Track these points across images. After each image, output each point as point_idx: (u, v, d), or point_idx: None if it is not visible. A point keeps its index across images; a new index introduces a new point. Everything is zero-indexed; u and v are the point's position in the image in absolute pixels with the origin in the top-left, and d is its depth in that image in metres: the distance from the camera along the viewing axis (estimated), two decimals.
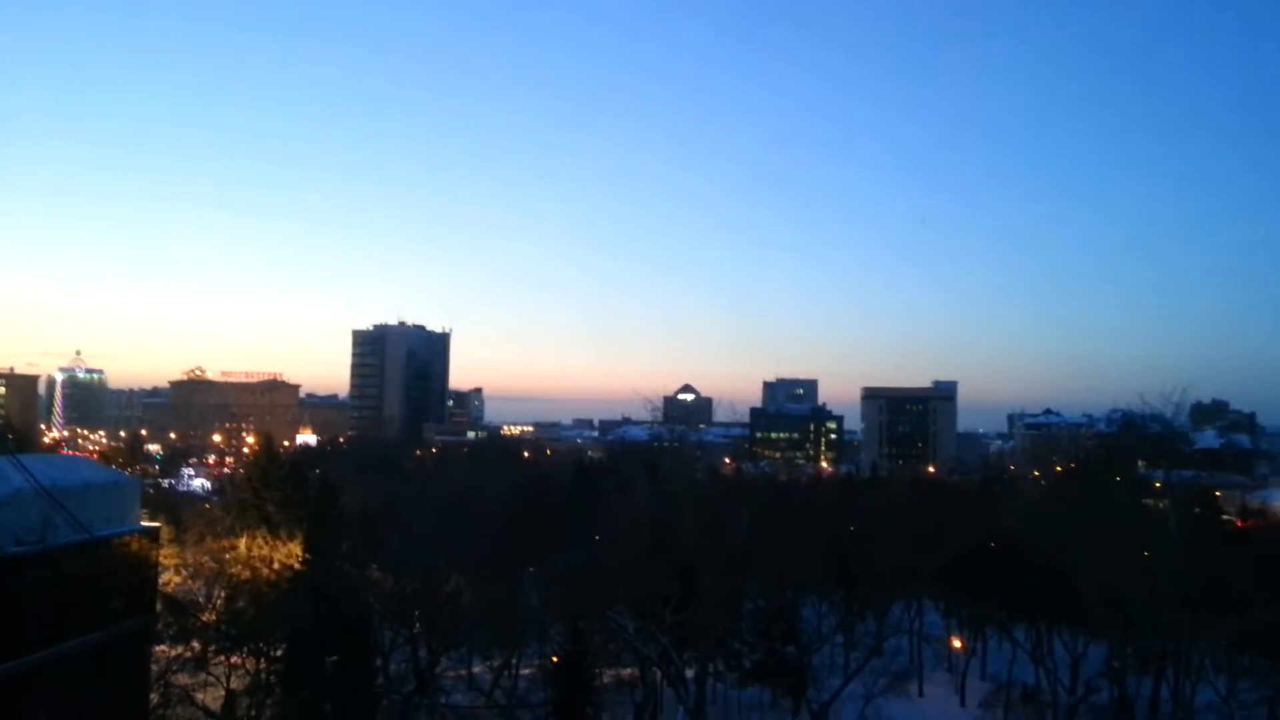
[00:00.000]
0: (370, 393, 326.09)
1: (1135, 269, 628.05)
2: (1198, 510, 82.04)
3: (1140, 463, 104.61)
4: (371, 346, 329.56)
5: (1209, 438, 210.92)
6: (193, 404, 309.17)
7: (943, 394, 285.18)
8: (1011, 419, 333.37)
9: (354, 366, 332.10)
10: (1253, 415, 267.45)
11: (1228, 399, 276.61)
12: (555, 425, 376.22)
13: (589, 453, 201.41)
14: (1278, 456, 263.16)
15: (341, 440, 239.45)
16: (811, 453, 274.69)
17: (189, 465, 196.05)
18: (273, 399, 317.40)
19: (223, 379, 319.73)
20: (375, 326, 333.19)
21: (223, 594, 60.50)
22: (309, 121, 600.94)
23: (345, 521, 66.75)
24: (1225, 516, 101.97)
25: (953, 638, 78.46)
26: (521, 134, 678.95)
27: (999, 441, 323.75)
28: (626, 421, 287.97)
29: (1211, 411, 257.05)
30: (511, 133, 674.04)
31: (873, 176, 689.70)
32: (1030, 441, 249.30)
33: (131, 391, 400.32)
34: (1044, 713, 56.83)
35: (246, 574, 59.77)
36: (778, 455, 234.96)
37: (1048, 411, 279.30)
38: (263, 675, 50.10)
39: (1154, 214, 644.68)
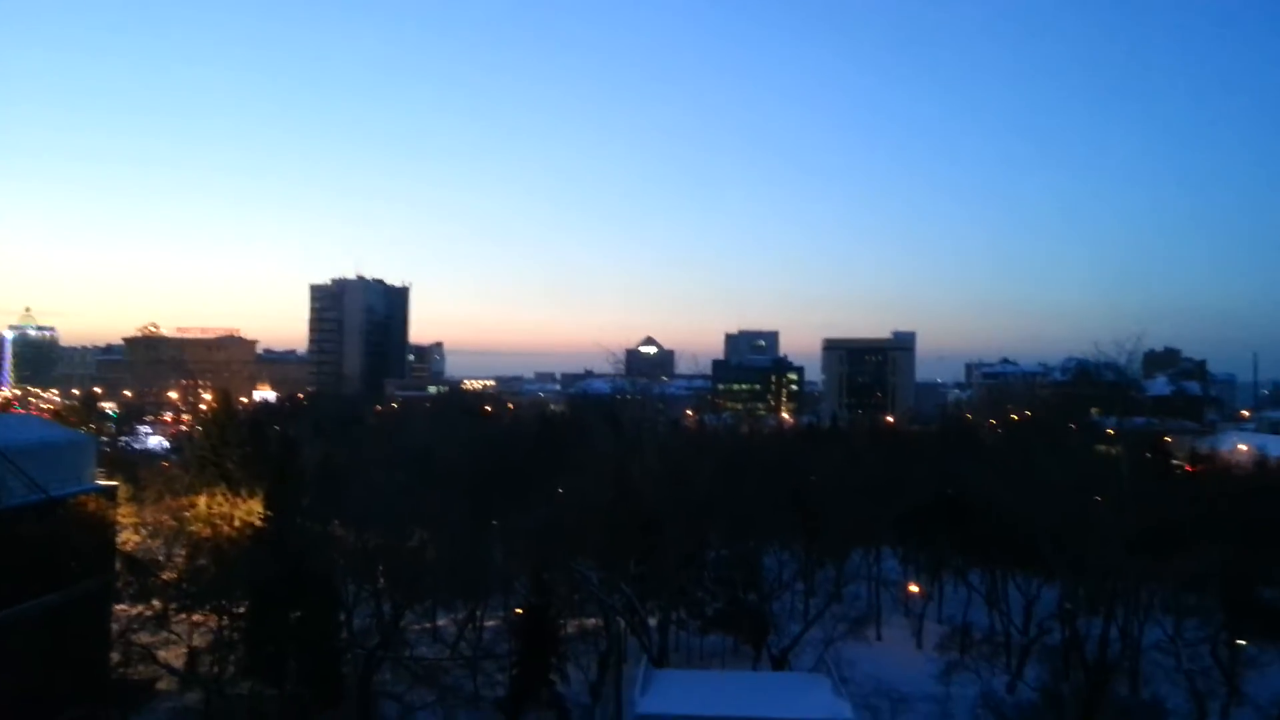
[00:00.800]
0: (329, 348, 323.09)
1: (1090, 221, 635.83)
2: (1149, 456, 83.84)
3: (1094, 410, 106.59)
4: (330, 301, 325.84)
5: (1161, 385, 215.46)
6: (148, 361, 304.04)
7: (901, 345, 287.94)
8: (969, 368, 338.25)
9: (312, 321, 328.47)
10: (1203, 363, 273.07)
11: (1179, 347, 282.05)
12: (517, 379, 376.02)
13: (551, 406, 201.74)
14: (1226, 403, 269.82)
15: (300, 396, 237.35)
16: (773, 404, 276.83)
17: (145, 423, 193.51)
18: (229, 355, 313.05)
19: (178, 335, 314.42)
20: (334, 281, 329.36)
21: (183, 552, 60.15)
22: (265, 75, 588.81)
23: (306, 478, 66.37)
24: (1175, 462, 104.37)
25: (910, 583, 80.00)
26: (481, 88, 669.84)
27: (956, 391, 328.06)
28: (589, 375, 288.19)
29: (1163, 359, 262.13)
30: (471, 87, 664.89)
31: (834, 129, 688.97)
32: (987, 391, 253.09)
33: (84, 349, 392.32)
34: (998, 654, 58.23)
35: (207, 531, 59.44)
36: (739, 407, 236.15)
37: (1004, 361, 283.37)
38: (225, 632, 50.03)
39: (1109, 167, 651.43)
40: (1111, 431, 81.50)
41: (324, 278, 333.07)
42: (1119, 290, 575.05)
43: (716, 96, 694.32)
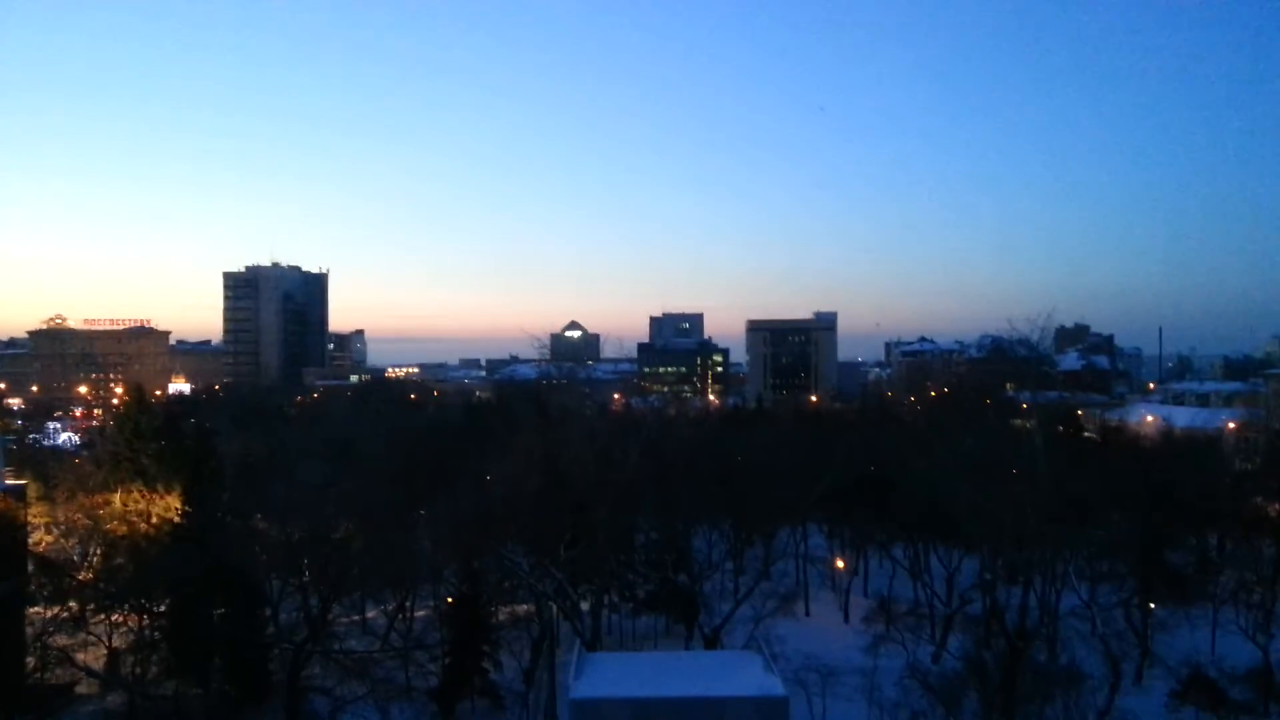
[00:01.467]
0: (245, 337, 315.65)
1: (1004, 200, 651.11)
2: (1061, 429, 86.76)
3: (1008, 385, 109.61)
4: (244, 289, 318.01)
5: (1071, 359, 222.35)
6: (54, 355, 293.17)
7: (824, 325, 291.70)
8: (889, 347, 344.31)
9: (226, 310, 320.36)
10: (1111, 337, 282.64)
11: (1089, 323, 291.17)
12: (442, 366, 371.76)
13: (477, 393, 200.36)
14: (1134, 375, 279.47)
15: (217, 388, 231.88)
16: (699, 386, 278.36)
17: (54, 419, 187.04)
18: (141, 347, 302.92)
19: (86, 327, 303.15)
20: (248, 268, 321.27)
21: (99, 551, 58.50)
22: (170, 53, 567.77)
23: (225, 471, 65.10)
24: (1086, 434, 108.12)
25: (836, 558, 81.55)
26: (399, 68, 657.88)
27: (877, 369, 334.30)
28: (514, 360, 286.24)
29: (1074, 334, 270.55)
30: (388, 66, 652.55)
31: (755, 112, 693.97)
32: (906, 368, 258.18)
33: None
34: (922, 625, 59.72)
35: (123, 529, 57.89)
36: (665, 389, 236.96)
37: (922, 339, 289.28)
38: (146, 632, 48.82)
39: (1020, 147, 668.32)
40: (1025, 406, 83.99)
41: (238, 265, 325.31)
42: (1031, 268, 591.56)
43: (638, 79, 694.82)
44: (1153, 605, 57.96)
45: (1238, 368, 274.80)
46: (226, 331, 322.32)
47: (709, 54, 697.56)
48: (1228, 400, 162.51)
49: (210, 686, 45.63)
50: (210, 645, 44.62)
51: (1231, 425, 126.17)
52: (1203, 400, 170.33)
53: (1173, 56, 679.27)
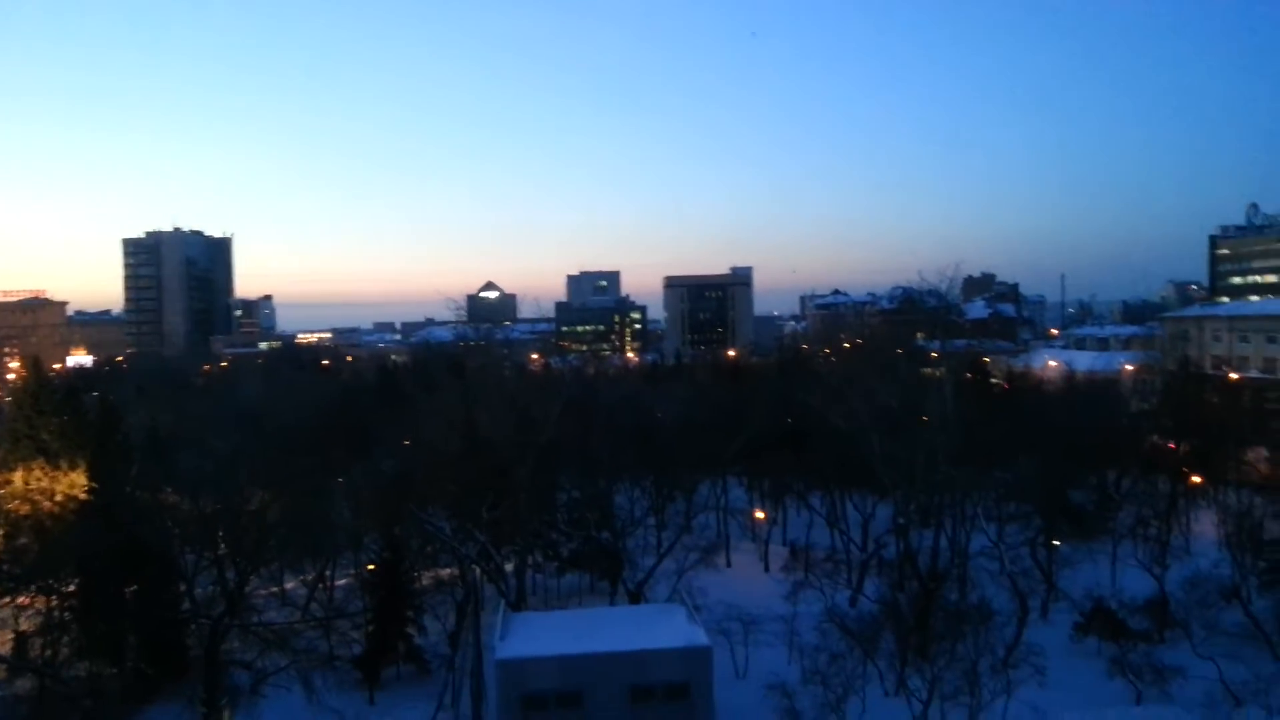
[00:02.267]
0: (147, 306, 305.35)
1: (911, 152, 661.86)
2: (970, 376, 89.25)
3: (919, 335, 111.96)
4: (145, 256, 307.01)
5: (978, 308, 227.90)
6: None
7: (740, 280, 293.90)
8: (803, 300, 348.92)
9: (127, 279, 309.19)
10: (1016, 286, 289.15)
11: (994, 271, 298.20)
12: (355, 330, 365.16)
13: (392, 357, 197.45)
14: (1038, 322, 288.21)
15: (119, 359, 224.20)
16: (617, 344, 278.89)
17: None
18: (37, 318, 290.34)
19: None
20: (148, 234, 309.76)
21: (1, 532, 56.41)
22: (66, 11, 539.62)
23: (131, 445, 63.16)
24: (994, 380, 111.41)
25: (756, 510, 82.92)
26: (303, 20, 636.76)
27: (793, 323, 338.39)
28: (430, 323, 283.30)
29: (980, 284, 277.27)
30: (291, 18, 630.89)
31: (669, 68, 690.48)
32: (821, 321, 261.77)
33: None
34: (839, 571, 61.26)
35: (26, 509, 55.95)
36: (584, 348, 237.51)
37: (836, 292, 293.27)
38: (55, 613, 47.37)
39: (922, 100, 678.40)
40: (935, 355, 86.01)
41: (138, 231, 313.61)
42: (940, 219, 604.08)
43: (551, 34, 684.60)
44: (1057, 543, 60.32)
45: (1135, 312, 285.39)
46: (128, 300, 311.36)
47: (623, 11, 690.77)
48: (1126, 344, 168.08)
49: (125, 665, 44.60)
50: (123, 623, 43.60)
51: (1129, 368, 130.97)
52: (1103, 344, 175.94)
53: (1069, 7, 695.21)
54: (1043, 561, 58.00)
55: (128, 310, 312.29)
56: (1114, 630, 48.06)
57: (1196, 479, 79.13)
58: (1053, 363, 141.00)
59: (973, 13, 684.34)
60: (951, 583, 55.63)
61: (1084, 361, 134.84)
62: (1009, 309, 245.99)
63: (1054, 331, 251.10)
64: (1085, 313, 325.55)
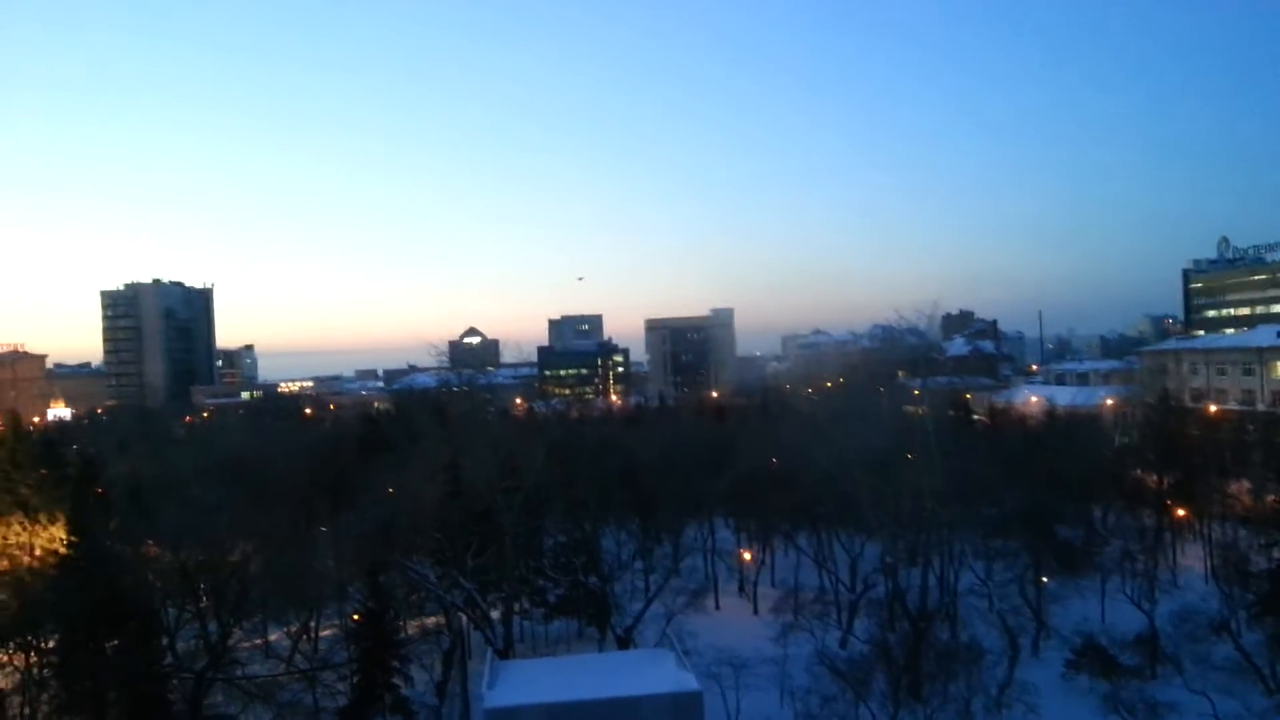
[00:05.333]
0: (127, 358, 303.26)
1: (890, 194, 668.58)
2: (952, 413, 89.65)
3: (900, 372, 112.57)
4: (125, 308, 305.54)
5: (958, 345, 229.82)
6: None
7: (721, 322, 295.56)
8: (785, 341, 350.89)
9: (106, 330, 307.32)
10: (994, 322, 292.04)
11: (973, 309, 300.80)
12: (337, 379, 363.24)
13: (375, 404, 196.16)
14: (1017, 358, 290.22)
15: (100, 411, 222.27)
16: (601, 387, 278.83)
17: None
18: (15, 371, 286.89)
19: None
20: (127, 285, 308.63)
21: None
22: (43, 61, 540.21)
23: (112, 498, 62.53)
24: (976, 417, 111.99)
25: (743, 551, 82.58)
26: (274, 73, 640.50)
27: (775, 363, 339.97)
28: (412, 369, 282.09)
29: (959, 321, 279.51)
30: (264, 72, 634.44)
31: (649, 112, 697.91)
32: (802, 361, 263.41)
33: None
34: (829, 611, 60.97)
35: (4, 564, 55.23)
36: (568, 392, 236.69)
37: (816, 331, 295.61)
38: (35, 670, 46.43)
39: (901, 141, 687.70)
40: (917, 392, 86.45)
41: (117, 283, 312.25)
42: (917, 258, 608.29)
43: (530, 79, 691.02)
44: (1045, 579, 60.28)
45: (1113, 347, 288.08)
46: (108, 353, 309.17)
47: (597, 54, 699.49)
48: (1105, 378, 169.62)
49: None
50: (104, 680, 42.66)
51: (1110, 402, 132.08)
52: (1082, 379, 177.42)
53: (1036, 38, 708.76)
54: (1031, 599, 57.93)
55: (108, 362, 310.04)
56: (1106, 667, 47.94)
57: (1181, 512, 79.43)
58: (1034, 398, 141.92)
59: (946, 51, 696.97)
60: (941, 621, 55.39)
61: (1065, 396, 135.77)
62: (989, 345, 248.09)
63: (1034, 367, 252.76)
64: (1064, 348, 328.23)
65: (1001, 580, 57.07)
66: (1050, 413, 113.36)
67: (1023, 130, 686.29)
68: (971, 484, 58.58)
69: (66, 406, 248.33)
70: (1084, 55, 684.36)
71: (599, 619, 60.81)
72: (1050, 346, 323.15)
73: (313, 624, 61.16)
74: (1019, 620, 53.31)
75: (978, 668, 41.66)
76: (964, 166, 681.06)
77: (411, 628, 58.40)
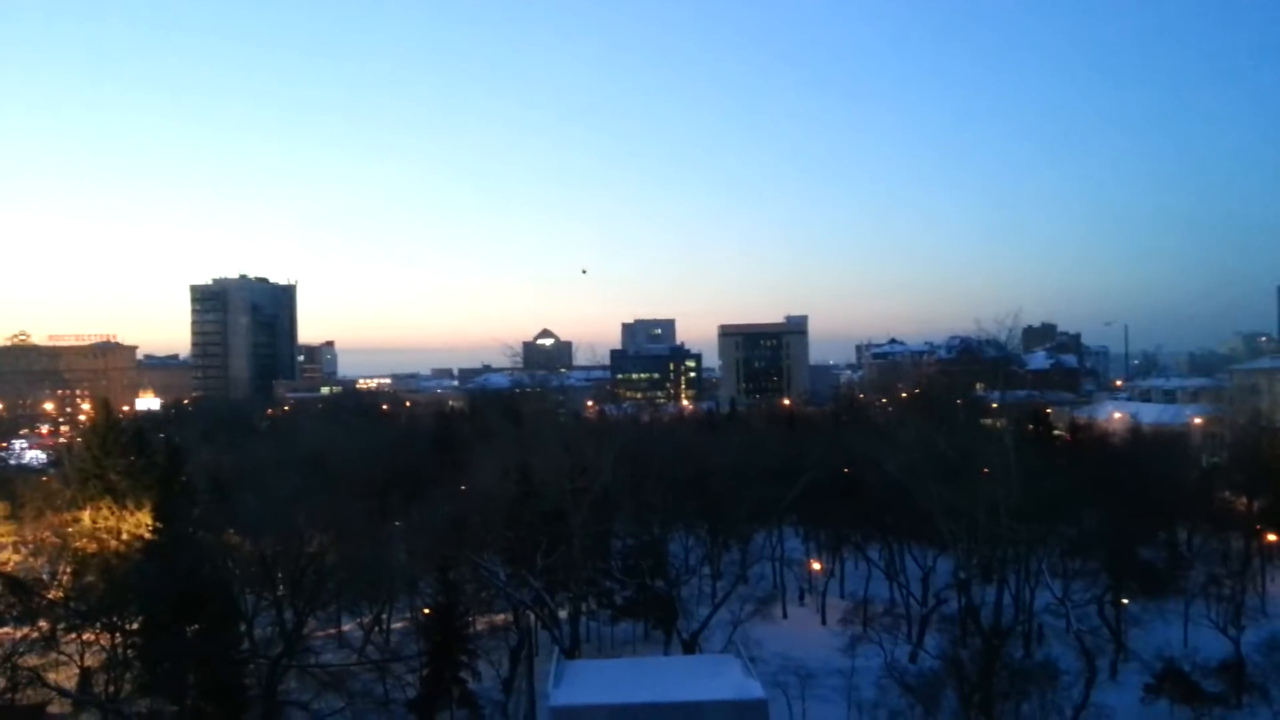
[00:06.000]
0: (213, 351, 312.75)
1: (969, 202, 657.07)
2: (1031, 427, 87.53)
3: (978, 385, 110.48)
4: (212, 303, 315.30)
5: (1039, 359, 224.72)
6: (19, 371, 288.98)
7: (795, 329, 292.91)
8: (859, 349, 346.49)
9: (194, 324, 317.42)
10: (1078, 336, 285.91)
11: (1056, 321, 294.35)
12: (414, 376, 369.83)
13: (450, 403, 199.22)
14: (1101, 373, 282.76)
15: (186, 402, 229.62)
16: (672, 391, 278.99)
17: (20, 436, 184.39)
18: (108, 362, 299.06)
19: (51, 344, 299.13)
20: (215, 281, 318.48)
21: (69, 569, 57.69)
22: (140, 62, 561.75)
23: (196, 487, 64.42)
24: (1056, 432, 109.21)
25: (812, 561, 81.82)
26: (365, 75, 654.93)
27: (849, 372, 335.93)
28: (487, 369, 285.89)
29: (1041, 334, 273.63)
30: (355, 74, 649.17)
31: (722, 118, 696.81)
32: (877, 370, 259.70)
33: None
34: (899, 625, 60.02)
35: (93, 547, 57.22)
36: (639, 395, 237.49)
37: (892, 341, 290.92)
38: (119, 650, 48.17)
39: (981, 152, 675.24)
40: (995, 405, 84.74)
41: (205, 278, 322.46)
42: (999, 269, 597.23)
43: (609, 85, 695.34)
44: (1125, 600, 58.57)
45: (1203, 364, 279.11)
46: (195, 345, 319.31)
47: (678, 59, 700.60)
48: (1194, 396, 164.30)
49: (185, 703, 44.96)
50: (184, 662, 44.02)
51: (1198, 421, 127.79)
52: (1169, 397, 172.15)
53: (1133, 54, 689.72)
54: (1111, 620, 56.31)
55: (194, 355, 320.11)
56: (1187, 693, 46.33)
57: (1271, 537, 76.52)
58: (1117, 415, 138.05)
59: (1027, 61, 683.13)
60: (1016, 640, 54.16)
61: (1150, 414, 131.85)
62: (1071, 359, 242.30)
63: (1118, 383, 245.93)
64: (1150, 364, 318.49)
65: (1080, 600, 55.50)
66: (1135, 430, 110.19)
67: (1112, 140, 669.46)
68: (1050, 501, 57.09)
69: (155, 397, 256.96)
70: (1181, 64, 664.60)
71: (665, 622, 60.76)
72: (1136, 362, 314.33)
73: (384, 616, 62.22)
74: (1097, 641, 51.84)
75: (1053, 688, 40.61)
76: (1050, 176, 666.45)
77: (480, 624, 58.92)
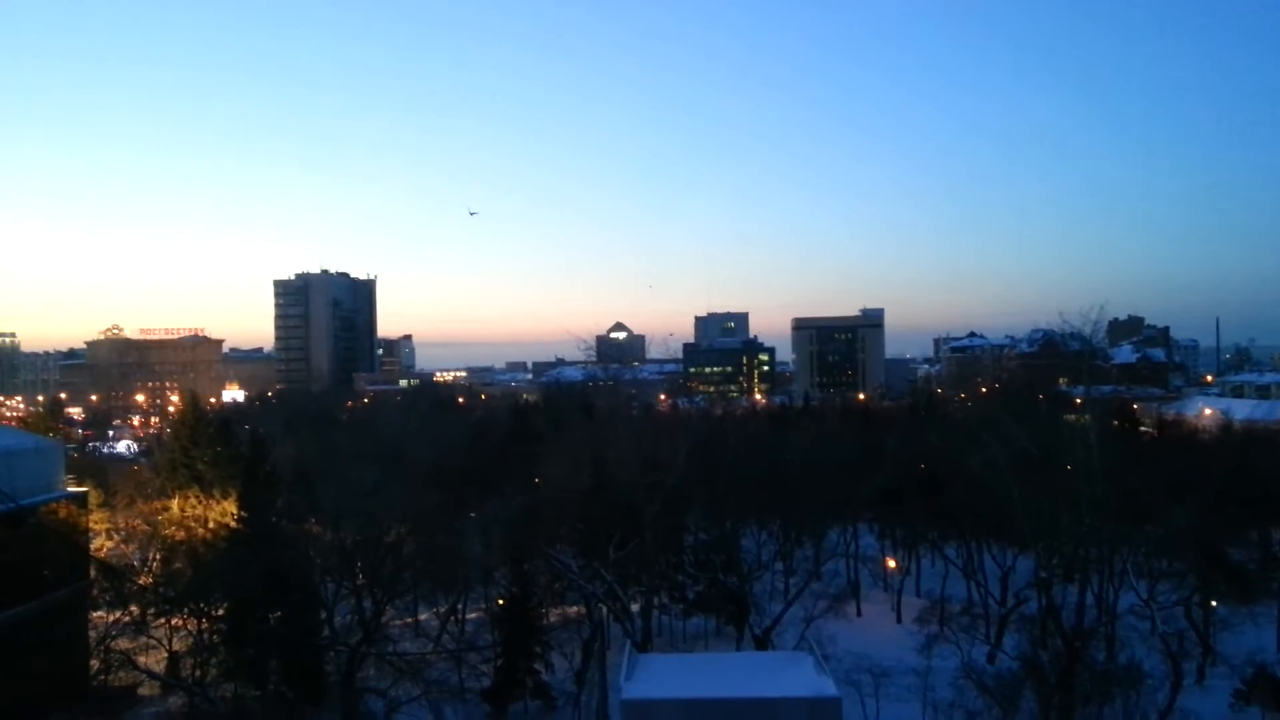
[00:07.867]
0: (296, 344, 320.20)
1: (1052, 192, 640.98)
2: (1117, 423, 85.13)
3: (1061, 380, 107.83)
4: (295, 297, 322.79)
5: (1126, 353, 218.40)
6: (112, 364, 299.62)
7: (870, 322, 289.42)
8: (937, 343, 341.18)
9: (277, 318, 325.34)
10: (1166, 329, 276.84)
11: (1143, 314, 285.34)
12: (489, 369, 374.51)
13: (524, 396, 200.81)
14: (1191, 368, 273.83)
15: (270, 394, 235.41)
16: (745, 385, 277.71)
17: (113, 427, 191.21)
18: (195, 355, 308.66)
19: (142, 337, 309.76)
20: (297, 275, 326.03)
21: (158, 556, 59.71)
22: (219, 70, 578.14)
23: (279, 477, 65.95)
24: (1143, 428, 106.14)
25: (888, 558, 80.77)
26: (440, 76, 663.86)
27: (926, 366, 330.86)
28: (560, 363, 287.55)
29: (1128, 327, 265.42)
30: (430, 75, 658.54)
31: (797, 110, 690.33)
32: (955, 364, 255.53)
33: (47, 354, 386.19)
34: (977, 625, 58.88)
35: (181, 535, 59.07)
36: (712, 389, 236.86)
37: (971, 334, 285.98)
38: (205, 635, 49.65)
39: (1066, 140, 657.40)
40: (1079, 400, 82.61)
41: (288, 272, 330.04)
42: (1083, 261, 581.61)
43: (678, 80, 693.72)
44: (1214, 603, 56.64)
45: None
46: (278, 339, 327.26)
47: (749, 53, 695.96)
48: None
49: (267, 688, 46.25)
50: (267, 648, 45.21)
51: None
52: (1263, 392, 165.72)
53: (1219, 43, 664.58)
54: (1198, 622, 54.50)
55: (278, 348, 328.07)
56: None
57: None
58: (1208, 411, 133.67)
59: (1114, 51, 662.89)
60: (1098, 642, 52.59)
61: (1242, 410, 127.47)
62: (1159, 354, 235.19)
63: (1209, 378, 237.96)
64: (1243, 358, 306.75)
65: (1166, 602, 53.82)
66: (1226, 427, 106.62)
67: (1207, 128, 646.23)
68: (1136, 499, 55.44)
69: (240, 389, 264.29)
70: (1269, 55, 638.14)
71: (737, 618, 60.57)
72: (1228, 357, 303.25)
73: (460, 606, 63.09)
74: (1183, 645, 50.17)
75: (1137, 692, 39.44)
76: (1138, 164, 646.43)
77: (553, 615, 59.50)
